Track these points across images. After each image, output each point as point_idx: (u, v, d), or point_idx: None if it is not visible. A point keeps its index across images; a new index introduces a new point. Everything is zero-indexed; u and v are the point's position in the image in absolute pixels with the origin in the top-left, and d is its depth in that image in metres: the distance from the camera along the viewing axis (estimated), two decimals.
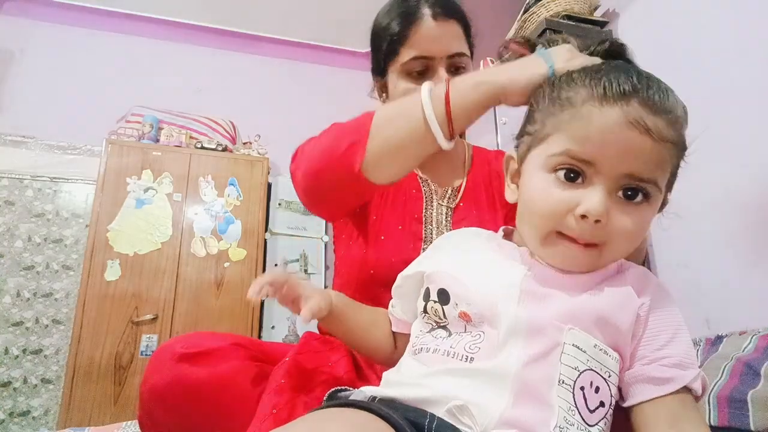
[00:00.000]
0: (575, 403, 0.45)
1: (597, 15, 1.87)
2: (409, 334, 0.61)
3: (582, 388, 0.46)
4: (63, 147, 3.05)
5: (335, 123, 0.75)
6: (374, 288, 0.83)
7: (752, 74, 1.32)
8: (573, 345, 0.47)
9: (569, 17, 1.77)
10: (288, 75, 3.66)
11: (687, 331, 0.51)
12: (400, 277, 0.64)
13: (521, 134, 0.57)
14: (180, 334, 1.48)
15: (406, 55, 0.84)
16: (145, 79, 3.29)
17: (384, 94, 0.95)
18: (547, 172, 0.51)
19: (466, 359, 0.49)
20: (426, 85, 0.64)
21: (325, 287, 3.18)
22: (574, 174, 0.49)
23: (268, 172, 3.10)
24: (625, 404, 0.50)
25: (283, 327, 3.01)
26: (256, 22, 3.51)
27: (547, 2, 1.79)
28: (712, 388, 0.96)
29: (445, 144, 0.62)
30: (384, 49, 0.88)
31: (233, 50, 3.60)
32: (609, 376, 0.48)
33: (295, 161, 0.78)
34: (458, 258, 0.58)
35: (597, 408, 0.47)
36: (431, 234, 0.87)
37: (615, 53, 0.60)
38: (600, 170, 0.48)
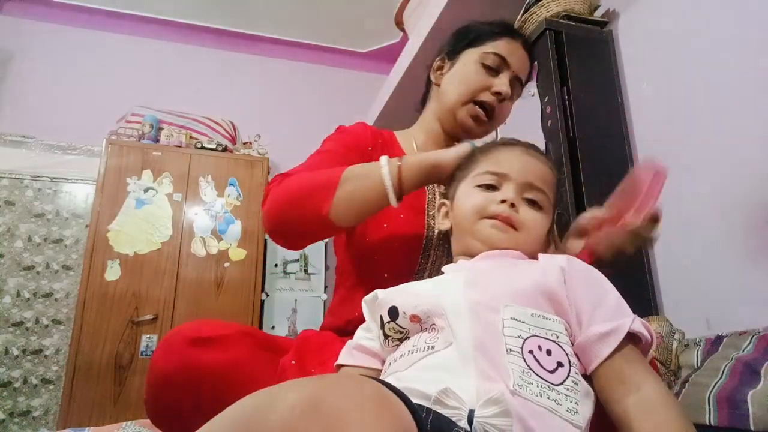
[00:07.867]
0: (528, 366, 0.50)
1: (597, 15, 1.87)
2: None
3: (531, 352, 0.52)
4: (63, 147, 3.05)
5: (305, 165, 0.90)
6: (374, 274, 0.88)
7: (752, 74, 1.33)
8: (511, 318, 0.54)
9: (569, 17, 1.77)
10: (288, 75, 3.66)
11: (613, 288, 0.59)
12: (363, 303, 0.68)
13: (447, 191, 0.79)
14: None
15: (491, 48, 0.98)
16: (145, 79, 3.30)
17: (439, 72, 1.04)
18: (472, 188, 0.71)
19: (428, 348, 0.55)
20: (384, 158, 0.80)
21: (325, 287, 3.18)
22: (491, 186, 0.70)
23: (268, 172, 3.09)
24: (588, 373, 0.54)
25: (283, 327, 3.01)
26: (256, 22, 3.51)
27: (547, 2, 1.79)
28: (712, 388, 0.96)
29: (394, 203, 0.79)
30: (472, 36, 1.01)
31: (233, 50, 3.60)
32: (557, 338, 0.54)
33: (266, 200, 0.85)
34: (405, 285, 0.67)
35: (556, 368, 0.52)
36: (433, 225, 0.90)
37: None
38: (510, 178, 0.69)
